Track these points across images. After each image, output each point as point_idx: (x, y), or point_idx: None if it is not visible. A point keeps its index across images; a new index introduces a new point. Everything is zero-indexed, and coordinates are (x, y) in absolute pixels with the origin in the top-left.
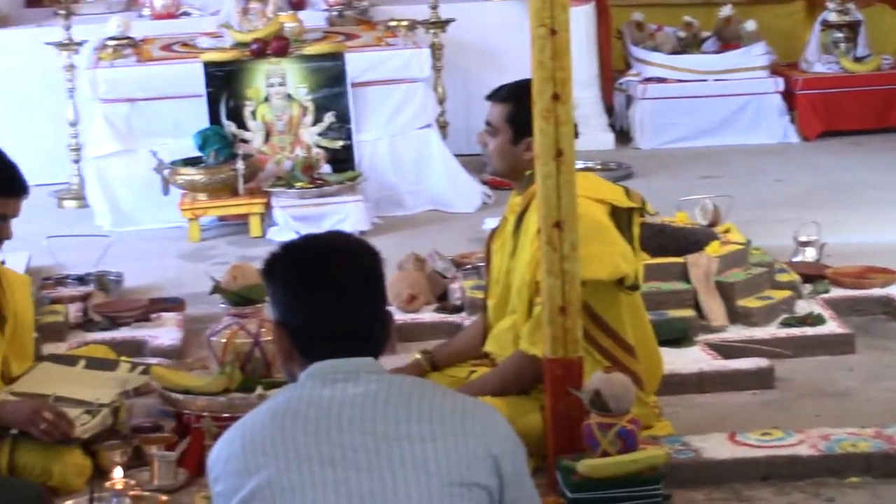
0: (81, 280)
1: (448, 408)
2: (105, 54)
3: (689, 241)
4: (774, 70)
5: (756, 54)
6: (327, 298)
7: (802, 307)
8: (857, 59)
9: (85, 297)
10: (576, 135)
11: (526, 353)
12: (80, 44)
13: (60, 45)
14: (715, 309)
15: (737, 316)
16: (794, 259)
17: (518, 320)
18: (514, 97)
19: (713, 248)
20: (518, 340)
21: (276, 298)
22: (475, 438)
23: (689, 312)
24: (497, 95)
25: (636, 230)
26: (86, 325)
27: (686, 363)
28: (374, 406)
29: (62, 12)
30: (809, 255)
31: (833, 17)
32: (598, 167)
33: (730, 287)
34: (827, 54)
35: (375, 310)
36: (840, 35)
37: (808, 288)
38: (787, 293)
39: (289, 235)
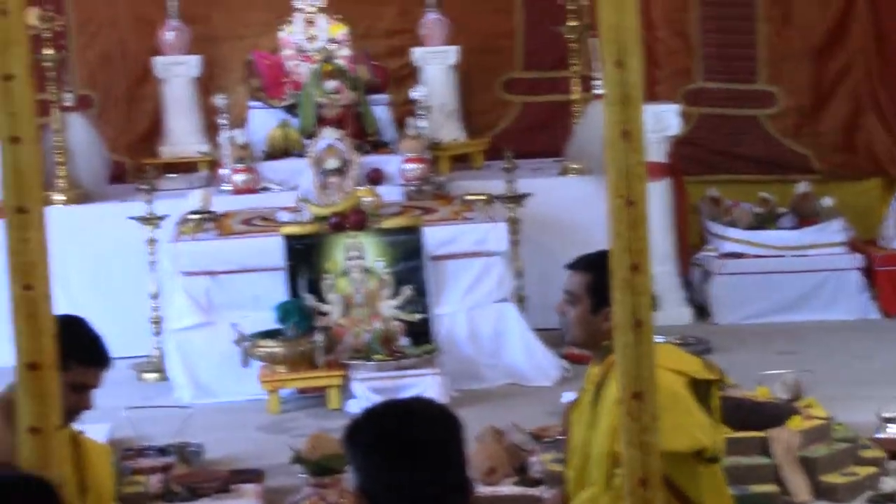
0: (162, 451)
1: None
2: (186, 228)
3: (770, 415)
4: (853, 246)
5: (834, 230)
6: (407, 466)
7: (889, 484)
8: None
9: (165, 469)
10: (655, 307)
11: None
12: (161, 218)
13: (143, 220)
14: (798, 484)
15: (821, 492)
16: (878, 435)
17: (597, 492)
18: (594, 267)
19: (795, 423)
20: None
21: (357, 464)
22: None
23: (771, 487)
24: (577, 265)
25: (715, 402)
26: (166, 496)
27: None
28: None
29: (145, 188)
30: (893, 431)
31: None
32: (677, 342)
33: (813, 462)
34: None
35: (456, 477)
36: None
37: (893, 464)
38: (872, 469)
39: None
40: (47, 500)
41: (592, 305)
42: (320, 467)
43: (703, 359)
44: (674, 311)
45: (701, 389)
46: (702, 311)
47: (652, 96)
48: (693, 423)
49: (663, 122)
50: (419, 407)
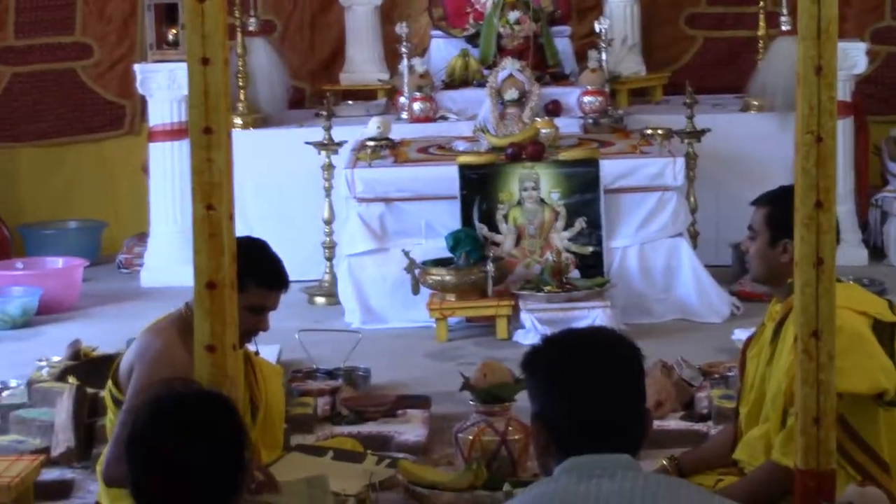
0: (330, 375)
1: None
2: (363, 155)
3: None
4: None
5: None
6: (587, 393)
7: None
8: None
9: (333, 392)
10: (837, 241)
11: (778, 463)
12: (339, 144)
13: (320, 145)
14: None
15: None
16: None
17: (771, 429)
18: (772, 200)
19: None
20: (770, 450)
21: (535, 392)
22: None
23: None
24: (758, 200)
25: None
26: (333, 418)
27: None
28: (630, 503)
29: (323, 114)
30: None
31: None
32: (851, 283)
33: None
34: None
35: (635, 406)
36: None
37: None
38: None
39: (535, 339)
40: (225, 415)
41: (770, 238)
42: (490, 395)
43: (890, 300)
44: (850, 251)
45: (885, 331)
46: (878, 252)
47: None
48: (875, 365)
49: (850, 59)
50: (600, 334)
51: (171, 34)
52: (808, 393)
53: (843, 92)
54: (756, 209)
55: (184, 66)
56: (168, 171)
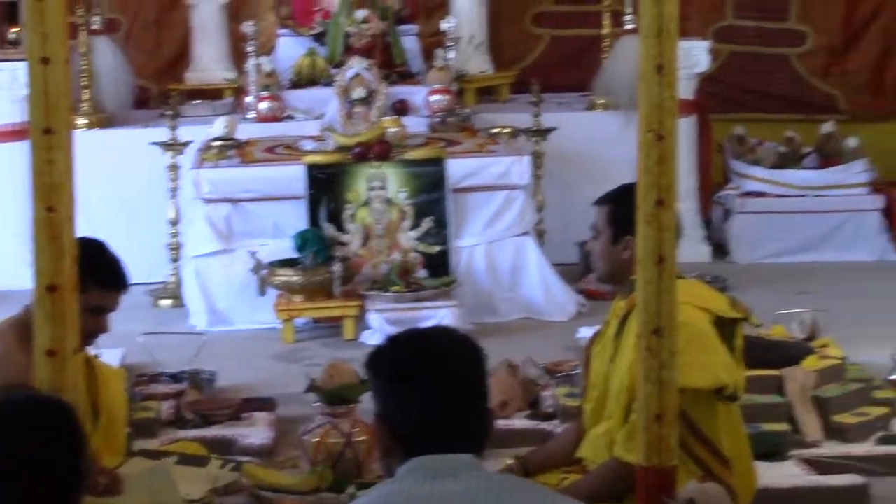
0: (175, 378)
1: None
2: (209, 155)
3: (786, 354)
4: (875, 187)
5: (857, 171)
6: (428, 394)
7: None
8: None
9: (178, 395)
10: (679, 234)
11: (620, 459)
12: (184, 144)
13: (165, 146)
14: (810, 423)
15: (832, 431)
16: (892, 377)
17: (614, 426)
18: (614, 198)
19: (810, 363)
20: (613, 447)
21: (378, 392)
22: None
23: (783, 426)
24: (601, 199)
25: (739, 341)
26: (178, 422)
27: (780, 477)
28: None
29: (169, 113)
30: None
31: None
32: (693, 279)
33: (826, 402)
34: None
35: (477, 406)
36: None
37: None
38: (884, 410)
39: (382, 339)
40: (65, 422)
41: (613, 235)
42: (335, 396)
43: (731, 297)
44: (693, 248)
45: (726, 328)
46: (721, 249)
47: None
48: (715, 361)
49: (692, 58)
50: (444, 334)
51: (12, 33)
52: (650, 390)
53: (686, 90)
54: (598, 208)
55: (25, 65)
56: (9, 172)
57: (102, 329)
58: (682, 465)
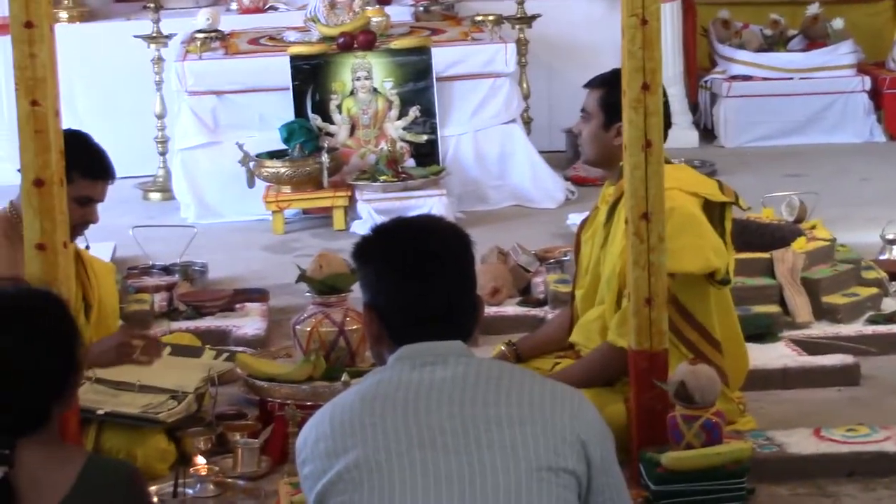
0: (167, 270)
1: (537, 392)
2: (193, 47)
3: (775, 237)
4: (861, 69)
5: (843, 53)
6: (418, 282)
7: (889, 304)
8: None
9: (170, 287)
10: (669, 125)
11: (613, 344)
12: (168, 37)
13: (149, 39)
14: (800, 305)
15: (822, 312)
16: (881, 257)
17: (606, 311)
18: (607, 83)
19: (799, 245)
20: (605, 331)
21: (367, 281)
22: (563, 423)
23: (774, 308)
24: (592, 82)
25: (728, 225)
26: (171, 314)
27: (771, 359)
28: (462, 389)
29: (151, 6)
30: None
31: None
32: (681, 164)
33: (815, 283)
34: None
35: (466, 294)
36: None
37: (894, 285)
38: (873, 290)
39: None
40: (57, 314)
41: (604, 120)
42: (326, 286)
43: (719, 181)
44: (681, 133)
45: (715, 211)
46: (709, 133)
47: None
48: (706, 245)
49: None
50: (430, 222)
51: None
52: (639, 275)
53: None
54: (589, 92)
55: None
56: None
57: (91, 219)
58: (674, 349)
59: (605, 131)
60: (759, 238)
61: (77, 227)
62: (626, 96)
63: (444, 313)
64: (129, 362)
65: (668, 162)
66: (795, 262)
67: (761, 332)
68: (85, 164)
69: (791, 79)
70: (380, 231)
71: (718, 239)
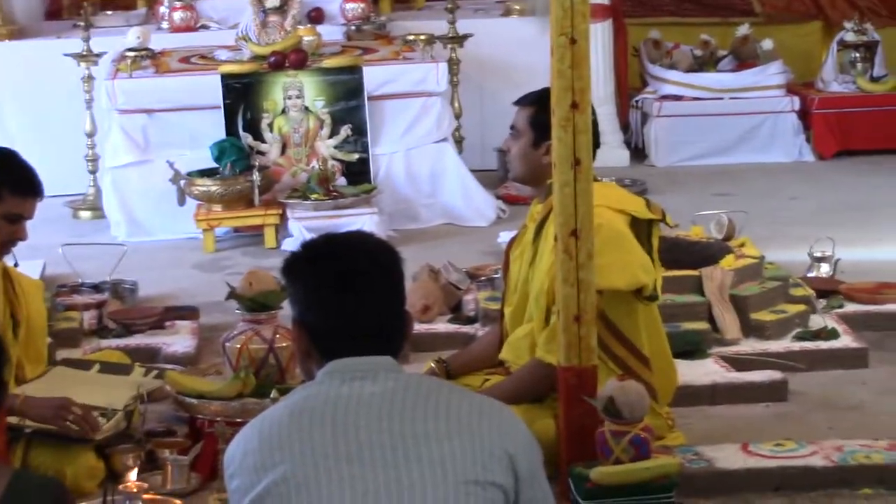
0: (96, 288)
1: (465, 407)
2: (123, 65)
3: (704, 254)
4: (790, 89)
5: (772, 73)
6: (346, 297)
7: (816, 321)
8: (874, 80)
9: (100, 305)
10: (597, 144)
11: (542, 360)
12: (99, 55)
13: (79, 57)
14: (729, 322)
15: (751, 329)
16: (809, 274)
17: (535, 328)
18: (537, 101)
19: (728, 262)
20: (534, 348)
21: (296, 297)
22: (491, 437)
23: (703, 325)
24: (522, 100)
25: (655, 242)
26: (100, 332)
27: (699, 375)
28: (391, 404)
29: (81, 24)
30: (824, 270)
31: (850, 37)
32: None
33: (744, 300)
34: (843, 74)
35: (394, 309)
36: (857, 55)
37: (822, 303)
38: (801, 307)
39: None
40: None
41: (534, 139)
42: (256, 304)
43: (646, 199)
44: (611, 152)
45: (642, 228)
46: (639, 153)
47: None
48: (634, 262)
49: None
50: (359, 239)
51: None
52: (568, 292)
53: None
54: (519, 109)
55: None
56: None
57: (20, 237)
58: (602, 365)
59: (534, 149)
60: (688, 256)
61: (5, 245)
62: (555, 115)
63: (374, 329)
64: (64, 427)
65: (596, 180)
66: (724, 280)
67: (690, 348)
68: (13, 181)
69: (721, 99)
70: (308, 247)
71: (646, 255)
